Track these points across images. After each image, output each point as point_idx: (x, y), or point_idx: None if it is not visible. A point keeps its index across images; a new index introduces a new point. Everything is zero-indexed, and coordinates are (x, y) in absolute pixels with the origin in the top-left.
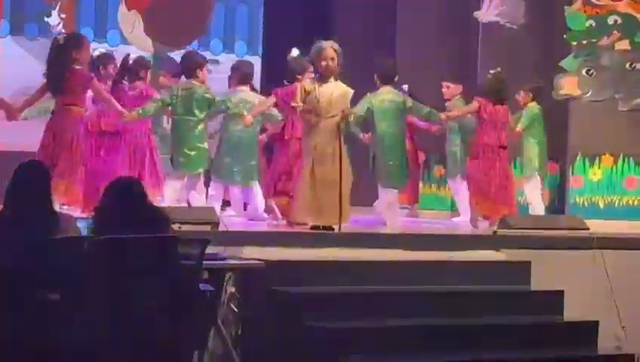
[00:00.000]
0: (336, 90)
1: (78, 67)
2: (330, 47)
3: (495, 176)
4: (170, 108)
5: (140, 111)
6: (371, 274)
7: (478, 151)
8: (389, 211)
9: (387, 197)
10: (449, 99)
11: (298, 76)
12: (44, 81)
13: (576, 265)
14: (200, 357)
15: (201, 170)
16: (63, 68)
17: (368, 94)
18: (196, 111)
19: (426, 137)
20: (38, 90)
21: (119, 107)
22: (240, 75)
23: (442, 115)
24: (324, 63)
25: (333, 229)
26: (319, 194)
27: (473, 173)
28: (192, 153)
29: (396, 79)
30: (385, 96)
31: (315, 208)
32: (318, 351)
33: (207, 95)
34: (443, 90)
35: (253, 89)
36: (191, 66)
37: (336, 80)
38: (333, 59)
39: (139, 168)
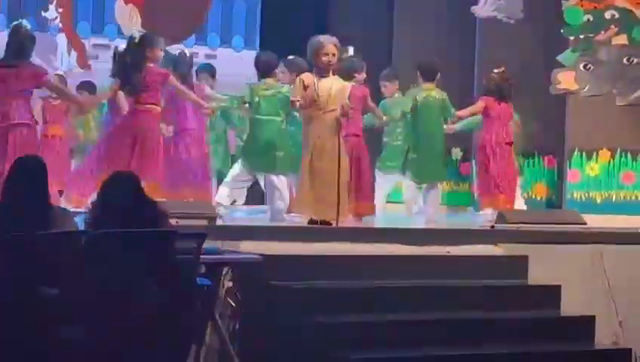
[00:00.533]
0: (334, 85)
1: (152, 65)
2: (331, 44)
3: (506, 172)
4: (247, 106)
5: (222, 104)
6: (370, 269)
7: (487, 148)
8: (434, 204)
9: (434, 191)
10: (390, 96)
11: (355, 75)
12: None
13: (574, 260)
14: (197, 351)
15: (290, 171)
16: (138, 66)
17: (411, 90)
18: (281, 111)
19: None
20: (110, 90)
21: (200, 101)
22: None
23: (456, 114)
24: (325, 59)
25: (331, 224)
26: (318, 189)
27: (483, 169)
28: (281, 154)
29: (438, 76)
30: (428, 92)
31: (314, 202)
32: (317, 346)
33: (288, 94)
34: (382, 89)
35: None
36: (270, 66)
37: (334, 75)
38: (334, 55)
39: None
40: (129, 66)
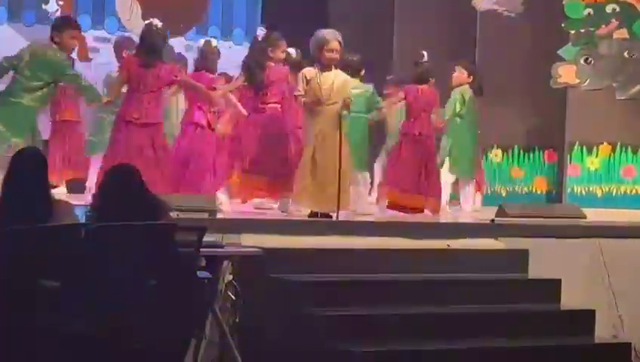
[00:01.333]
0: (337, 79)
1: (273, 64)
2: (335, 40)
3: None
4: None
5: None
6: (370, 262)
7: None
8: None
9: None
10: None
11: (430, 79)
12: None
13: (574, 254)
14: (197, 345)
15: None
16: (262, 65)
17: (458, 89)
18: (365, 109)
19: None
20: (232, 83)
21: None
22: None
23: None
24: (329, 55)
25: (331, 217)
26: (319, 181)
27: None
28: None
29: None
30: (468, 90)
31: (315, 194)
32: (317, 339)
33: (369, 93)
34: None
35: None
36: (359, 67)
37: (337, 68)
38: (337, 51)
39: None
40: (253, 65)
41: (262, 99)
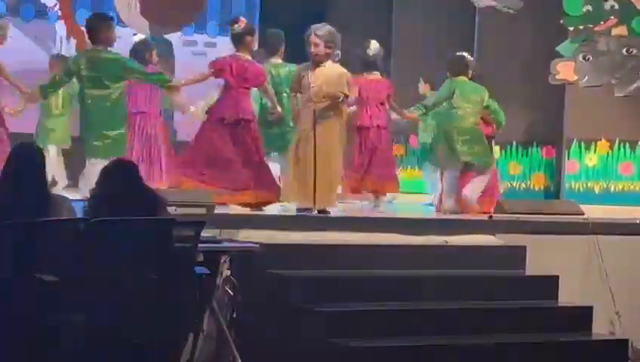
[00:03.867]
0: (328, 74)
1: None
2: (312, 34)
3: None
4: None
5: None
6: (367, 258)
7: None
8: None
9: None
10: None
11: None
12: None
13: (572, 250)
14: (195, 339)
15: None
16: None
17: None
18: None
19: None
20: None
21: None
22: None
23: None
24: (310, 50)
25: (328, 213)
26: (304, 177)
27: None
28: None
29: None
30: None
31: (298, 190)
32: (315, 335)
33: None
34: None
35: None
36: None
37: (334, 63)
38: (316, 45)
39: None
40: None
41: None
